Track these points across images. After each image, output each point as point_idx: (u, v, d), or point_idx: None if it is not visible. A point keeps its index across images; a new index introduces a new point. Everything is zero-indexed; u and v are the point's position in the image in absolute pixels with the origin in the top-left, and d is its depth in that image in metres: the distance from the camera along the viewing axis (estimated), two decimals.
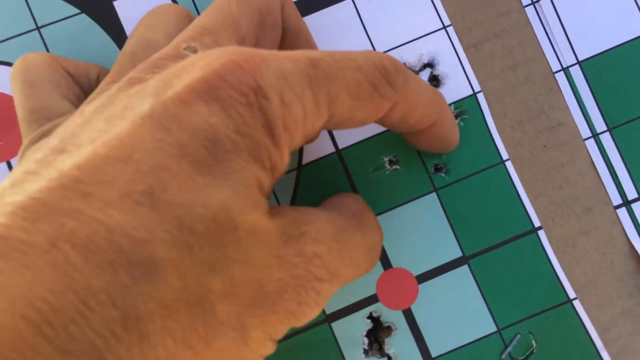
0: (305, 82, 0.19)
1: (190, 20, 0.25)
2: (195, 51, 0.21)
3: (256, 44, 0.24)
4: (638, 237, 0.30)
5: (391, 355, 0.29)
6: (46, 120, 0.23)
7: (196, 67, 0.19)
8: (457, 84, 0.30)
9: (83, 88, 0.26)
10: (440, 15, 0.30)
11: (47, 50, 0.29)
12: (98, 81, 0.26)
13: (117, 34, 0.29)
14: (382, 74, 0.22)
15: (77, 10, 0.29)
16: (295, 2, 0.30)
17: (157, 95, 0.18)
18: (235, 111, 0.18)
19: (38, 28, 0.29)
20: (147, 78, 0.20)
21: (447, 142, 0.28)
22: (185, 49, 0.21)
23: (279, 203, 0.29)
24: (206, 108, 0.18)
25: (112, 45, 0.29)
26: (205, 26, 0.22)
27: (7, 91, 0.29)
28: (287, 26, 0.25)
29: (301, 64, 0.20)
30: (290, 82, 0.19)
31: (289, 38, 0.26)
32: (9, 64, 0.29)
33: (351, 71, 0.21)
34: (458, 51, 0.30)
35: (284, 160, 0.20)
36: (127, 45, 0.24)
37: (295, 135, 0.20)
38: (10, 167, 0.29)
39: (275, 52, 0.20)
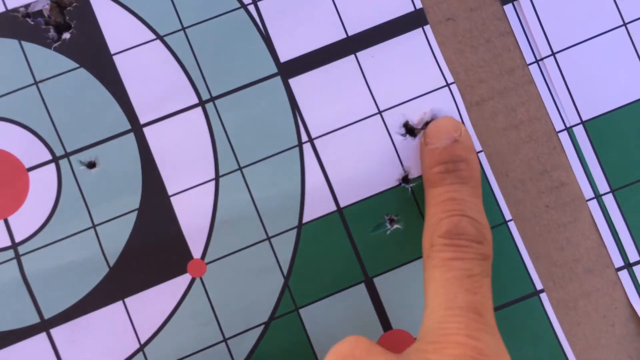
0: None
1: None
2: None
3: None
4: (639, 299, 0.29)
5: None
6: None
7: None
8: None
9: None
10: (444, 72, 0.30)
11: (45, 105, 0.29)
12: None
13: (117, 89, 0.29)
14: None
15: (76, 65, 0.29)
16: (298, 57, 0.30)
17: None
18: None
19: (36, 83, 0.29)
20: None
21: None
22: None
23: (278, 261, 0.29)
24: None
25: (111, 99, 0.29)
26: None
27: (6, 147, 0.28)
28: None
29: None
30: None
31: None
32: (8, 120, 0.29)
33: None
34: (460, 109, 0.30)
35: None
36: None
37: None
38: (7, 224, 0.28)
39: None
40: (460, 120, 0.30)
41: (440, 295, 0.24)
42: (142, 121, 0.29)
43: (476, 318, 0.23)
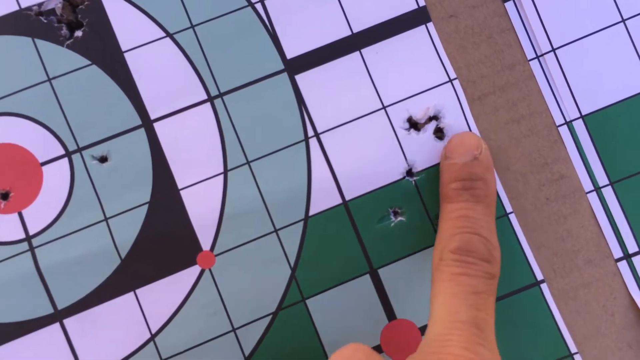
0: None
1: None
2: None
3: None
4: (638, 290, 0.30)
5: None
6: None
7: None
8: None
9: None
10: (446, 68, 0.31)
11: (58, 101, 0.29)
12: None
13: (128, 85, 0.30)
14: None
15: (88, 62, 0.30)
16: (304, 54, 0.30)
17: None
18: None
19: (49, 79, 0.30)
20: None
21: None
22: None
23: (285, 253, 0.30)
24: None
25: (123, 96, 0.30)
26: None
27: (21, 142, 0.29)
28: None
29: None
30: None
31: None
32: (22, 116, 0.29)
33: None
34: (463, 104, 0.31)
35: None
36: None
37: None
38: (22, 217, 0.29)
39: None
40: (479, 136, 0.30)
41: (444, 309, 0.25)
42: (152, 117, 0.30)
43: (477, 333, 0.24)
